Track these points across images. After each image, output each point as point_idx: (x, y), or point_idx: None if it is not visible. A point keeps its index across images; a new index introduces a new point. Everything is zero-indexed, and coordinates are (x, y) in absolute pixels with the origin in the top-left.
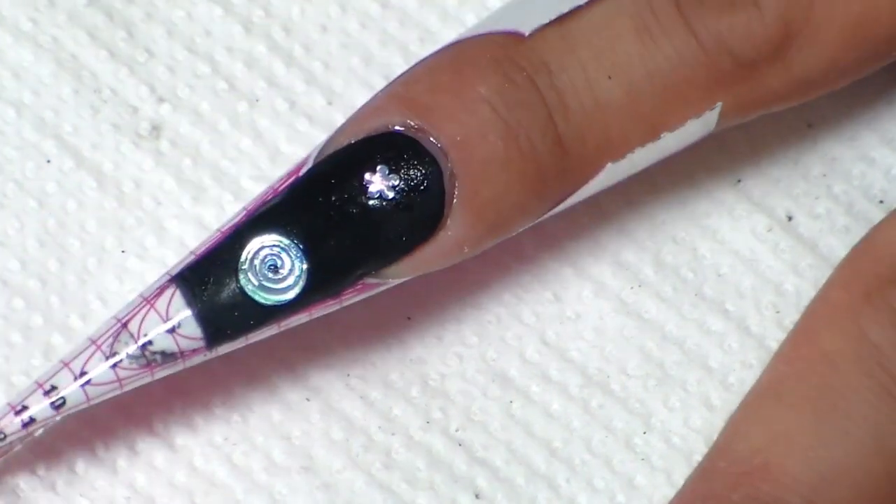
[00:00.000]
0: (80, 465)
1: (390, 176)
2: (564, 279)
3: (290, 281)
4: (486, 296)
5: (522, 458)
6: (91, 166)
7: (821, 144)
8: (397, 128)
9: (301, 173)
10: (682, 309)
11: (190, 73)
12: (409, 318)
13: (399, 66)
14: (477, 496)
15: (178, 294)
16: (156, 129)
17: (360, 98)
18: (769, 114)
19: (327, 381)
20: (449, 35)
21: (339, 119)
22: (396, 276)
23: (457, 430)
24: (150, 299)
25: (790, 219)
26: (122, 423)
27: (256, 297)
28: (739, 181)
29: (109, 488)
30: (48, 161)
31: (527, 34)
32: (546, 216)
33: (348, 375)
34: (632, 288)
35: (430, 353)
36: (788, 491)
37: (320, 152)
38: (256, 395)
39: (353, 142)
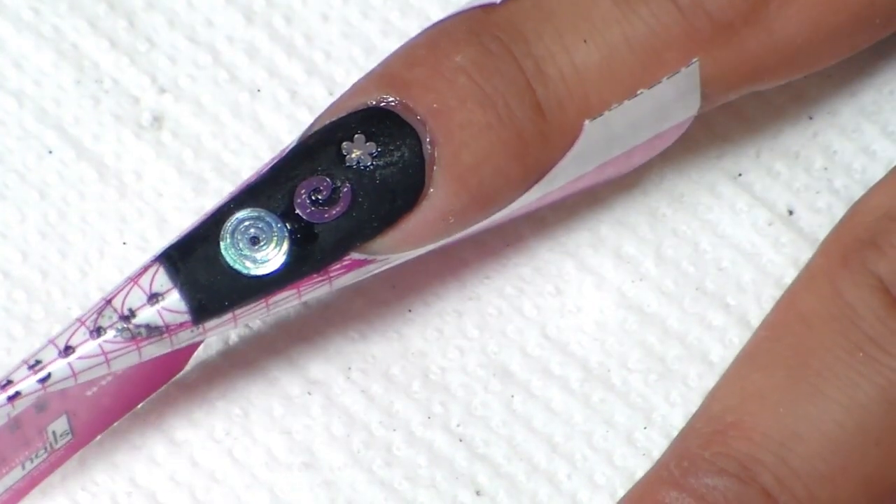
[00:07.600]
0: (81, 460)
1: (368, 145)
2: (565, 272)
3: (272, 253)
4: (487, 289)
5: (523, 454)
6: (92, 157)
7: (822, 137)
8: (375, 103)
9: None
10: (683, 303)
11: (191, 63)
12: (409, 311)
13: None
14: (478, 493)
15: (161, 270)
16: (157, 120)
17: None
18: (769, 106)
19: (328, 375)
20: None
21: None
22: (384, 251)
23: (458, 426)
24: (134, 278)
25: (791, 213)
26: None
27: (238, 268)
28: (740, 175)
29: (110, 483)
30: (49, 152)
31: (499, 2)
32: (540, 202)
33: (349, 369)
34: (633, 281)
35: (431, 347)
36: (759, 447)
37: (303, 134)
38: (257, 388)
39: (333, 120)
